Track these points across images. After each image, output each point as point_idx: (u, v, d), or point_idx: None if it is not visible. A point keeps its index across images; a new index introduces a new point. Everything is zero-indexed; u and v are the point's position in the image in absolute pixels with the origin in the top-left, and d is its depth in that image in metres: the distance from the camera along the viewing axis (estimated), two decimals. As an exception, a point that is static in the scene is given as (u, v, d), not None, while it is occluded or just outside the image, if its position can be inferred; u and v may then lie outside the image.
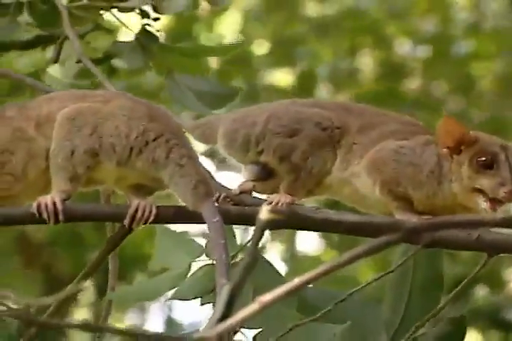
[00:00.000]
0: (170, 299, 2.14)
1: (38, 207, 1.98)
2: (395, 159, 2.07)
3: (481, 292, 5.41)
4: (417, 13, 6.05)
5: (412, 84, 5.94)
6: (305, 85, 5.60)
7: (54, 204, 1.98)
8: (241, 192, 2.13)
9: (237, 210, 2.08)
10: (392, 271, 2.05)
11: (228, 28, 5.86)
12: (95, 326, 1.32)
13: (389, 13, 5.96)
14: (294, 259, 5.73)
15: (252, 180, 2.17)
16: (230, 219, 2.04)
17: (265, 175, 2.17)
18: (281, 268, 5.55)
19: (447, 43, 5.91)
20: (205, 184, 2.05)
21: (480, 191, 2.00)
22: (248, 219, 1.98)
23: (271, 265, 2.03)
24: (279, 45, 5.72)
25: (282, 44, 5.71)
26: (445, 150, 2.04)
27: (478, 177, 2.00)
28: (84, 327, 1.34)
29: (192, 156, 2.09)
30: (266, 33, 5.87)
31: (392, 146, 2.08)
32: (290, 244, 5.75)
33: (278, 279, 1.91)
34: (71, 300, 1.86)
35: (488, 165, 2.00)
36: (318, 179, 2.12)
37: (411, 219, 2.01)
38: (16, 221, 2.03)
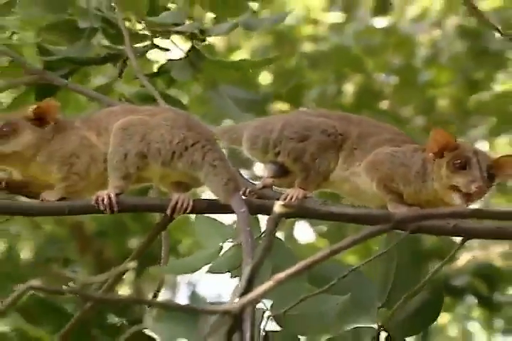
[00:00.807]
0: (206, 272, 2.12)
1: (97, 200, 1.96)
2: (390, 160, 2.05)
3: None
4: (388, 49, 6.00)
5: (385, 105, 5.92)
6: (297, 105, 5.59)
7: (110, 197, 1.95)
8: (263, 187, 2.14)
9: (259, 202, 2.06)
10: (384, 252, 2.03)
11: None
12: (141, 300, 1.25)
13: (366, 49, 5.91)
14: (293, 245, 5.67)
15: (272, 177, 2.16)
16: (254, 209, 2.02)
17: (282, 173, 2.16)
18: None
19: (412, 73, 5.87)
20: (234, 181, 2.05)
21: (456, 188, 1.97)
22: (268, 210, 1.90)
23: (286, 248, 1.96)
24: (280, 76, 5.68)
25: (283, 74, 5.67)
26: (431, 154, 2.02)
27: (454, 176, 1.97)
28: (132, 301, 1.29)
29: (222, 158, 2.08)
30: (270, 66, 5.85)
31: (387, 151, 2.07)
32: (289, 232, 5.70)
33: (291, 260, 1.84)
34: (120, 278, 1.79)
35: (463, 166, 1.97)
36: (325, 176, 2.11)
37: (401, 209, 1.99)
38: (79, 211, 1.98)
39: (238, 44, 5.95)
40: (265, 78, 5.77)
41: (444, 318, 5.88)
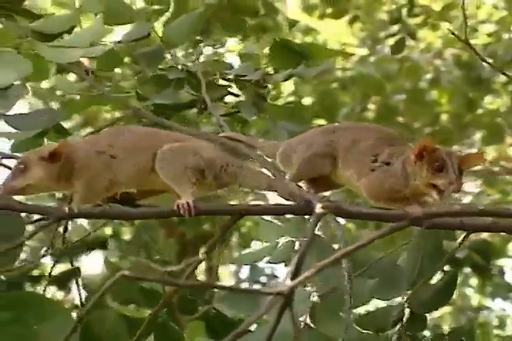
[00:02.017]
0: (266, 262, 2.07)
1: (178, 206, 1.82)
2: (380, 181, 1.89)
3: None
4: (402, 75, 5.94)
5: (400, 119, 5.91)
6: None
7: (188, 204, 1.82)
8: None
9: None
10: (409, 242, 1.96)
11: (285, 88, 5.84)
12: (212, 285, 1.22)
13: (385, 75, 5.86)
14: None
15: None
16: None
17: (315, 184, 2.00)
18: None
19: (420, 93, 5.82)
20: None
21: (434, 186, 1.84)
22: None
23: (325, 242, 1.90)
24: (319, 98, 5.65)
25: (321, 96, 5.65)
26: (413, 156, 1.86)
27: (434, 177, 1.83)
28: (205, 286, 1.27)
29: (250, 167, 1.93)
30: (310, 90, 5.84)
31: (373, 175, 1.90)
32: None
33: (329, 252, 1.78)
34: (195, 267, 1.75)
35: (440, 168, 1.83)
36: (320, 175, 1.96)
37: (416, 208, 1.84)
38: (164, 215, 1.90)
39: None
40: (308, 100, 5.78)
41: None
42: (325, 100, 5.55)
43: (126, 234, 5.20)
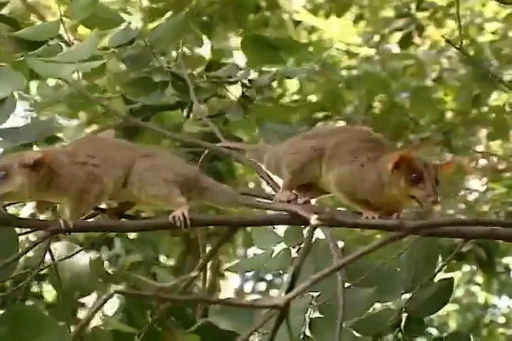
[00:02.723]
0: (263, 270, 2.07)
1: (173, 218, 1.80)
2: (349, 179, 1.89)
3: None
4: (407, 74, 5.92)
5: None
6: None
7: (183, 215, 1.79)
8: (304, 202, 1.96)
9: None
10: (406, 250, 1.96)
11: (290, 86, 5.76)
12: (206, 300, 1.22)
13: (391, 73, 5.84)
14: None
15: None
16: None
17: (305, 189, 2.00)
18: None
19: (426, 91, 5.79)
20: None
21: (413, 197, 1.83)
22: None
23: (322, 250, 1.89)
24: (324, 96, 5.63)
25: (327, 94, 5.62)
26: (390, 166, 1.84)
27: (412, 188, 1.82)
28: (199, 301, 1.27)
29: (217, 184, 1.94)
30: (316, 89, 5.81)
31: (345, 170, 1.90)
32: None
33: (328, 260, 1.77)
34: (190, 283, 1.74)
35: (418, 180, 1.82)
36: (312, 180, 1.96)
37: (372, 214, 1.84)
38: (159, 227, 1.89)
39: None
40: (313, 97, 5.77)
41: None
42: (330, 98, 5.54)
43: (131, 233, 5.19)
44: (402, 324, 1.95)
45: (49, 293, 4.31)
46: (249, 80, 2.51)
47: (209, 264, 5.68)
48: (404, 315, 1.95)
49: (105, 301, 1.11)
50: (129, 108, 2.43)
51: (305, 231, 2.00)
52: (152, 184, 1.82)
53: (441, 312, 5.74)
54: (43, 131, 2.03)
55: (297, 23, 6.09)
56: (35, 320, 1.54)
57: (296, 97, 5.77)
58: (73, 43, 2.22)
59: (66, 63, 1.78)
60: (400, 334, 1.94)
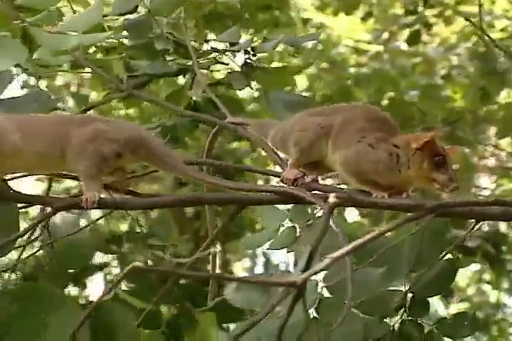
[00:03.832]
0: (267, 249, 2.04)
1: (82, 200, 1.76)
2: (356, 160, 1.84)
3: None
4: (415, 72, 5.93)
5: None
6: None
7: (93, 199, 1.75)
8: (312, 181, 1.92)
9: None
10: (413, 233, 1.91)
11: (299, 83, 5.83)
12: (221, 276, 1.20)
13: (400, 71, 5.85)
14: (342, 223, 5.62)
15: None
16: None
17: (312, 167, 1.95)
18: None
19: (434, 89, 5.77)
20: None
21: (434, 180, 1.80)
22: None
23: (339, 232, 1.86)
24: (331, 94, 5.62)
25: (333, 93, 5.60)
26: (414, 145, 1.81)
27: (434, 172, 1.79)
28: (214, 277, 1.25)
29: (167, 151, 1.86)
30: (323, 86, 5.77)
31: (352, 151, 1.86)
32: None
33: (344, 241, 1.74)
34: (204, 258, 1.72)
35: (442, 163, 1.79)
36: (319, 159, 1.91)
37: (382, 194, 1.80)
38: (170, 205, 1.83)
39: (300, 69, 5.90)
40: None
41: (463, 282, 5.82)
42: (339, 96, 5.52)
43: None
44: (407, 305, 1.94)
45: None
46: (252, 48, 2.45)
47: (218, 262, 5.69)
48: (409, 296, 1.93)
49: (124, 276, 1.09)
50: (129, 75, 2.37)
51: (309, 210, 1.97)
52: (86, 158, 1.76)
53: (452, 311, 5.74)
54: (44, 103, 1.95)
55: (305, 21, 6.08)
56: (47, 297, 1.52)
57: (305, 95, 5.76)
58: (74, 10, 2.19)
59: (71, 34, 1.73)
60: (405, 315, 1.93)
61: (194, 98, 2.48)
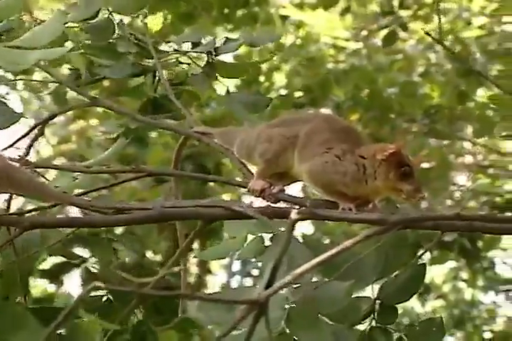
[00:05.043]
0: (235, 259, 2.03)
1: None
2: (322, 171, 1.84)
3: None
4: (394, 68, 5.96)
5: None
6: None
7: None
8: (279, 191, 1.91)
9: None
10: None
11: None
12: (181, 294, 1.20)
13: (377, 68, 5.87)
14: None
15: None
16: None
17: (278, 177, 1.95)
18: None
19: (412, 87, 5.79)
20: None
21: (400, 190, 1.80)
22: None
23: (303, 246, 1.85)
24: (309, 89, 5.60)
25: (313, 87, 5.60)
26: (380, 157, 1.81)
27: (400, 182, 1.79)
28: (174, 295, 1.25)
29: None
30: (302, 82, 5.77)
31: (318, 162, 1.85)
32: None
33: (308, 256, 1.73)
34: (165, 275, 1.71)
35: (407, 174, 1.79)
36: (286, 169, 1.91)
37: (348, 205, 1.81)
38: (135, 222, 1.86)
39: (277, 66, 5.91)
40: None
41: (439, 278, 5.86)
42: (319, 88, 5.53)
43: (118, 228, 5.17)
44: (376, 312, 1.93)
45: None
46: (215, 49, 2.39)
47: (196, 260, 5.65)
48: (377, 303, 1.93)
49: (85, 295, 1.09)
50: (94, 79, 2.34)
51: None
52: None
53: (428, 308, 5.78)
54: (7, 119, 1.90)
55: (284, 18, 6.08)
56: (10, 315, 1.51)
57: (283, 92, 5.76)
58: (37, 21, 2.14)
59: (31, 50, 1.68)
60: (373, 322, 1.91)
61: (153, 94, 2.44)
